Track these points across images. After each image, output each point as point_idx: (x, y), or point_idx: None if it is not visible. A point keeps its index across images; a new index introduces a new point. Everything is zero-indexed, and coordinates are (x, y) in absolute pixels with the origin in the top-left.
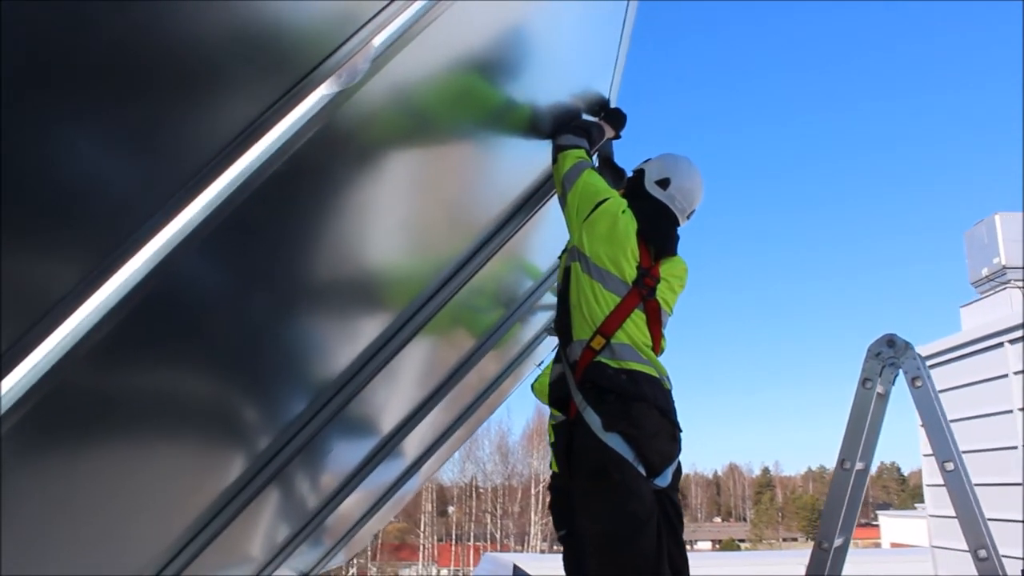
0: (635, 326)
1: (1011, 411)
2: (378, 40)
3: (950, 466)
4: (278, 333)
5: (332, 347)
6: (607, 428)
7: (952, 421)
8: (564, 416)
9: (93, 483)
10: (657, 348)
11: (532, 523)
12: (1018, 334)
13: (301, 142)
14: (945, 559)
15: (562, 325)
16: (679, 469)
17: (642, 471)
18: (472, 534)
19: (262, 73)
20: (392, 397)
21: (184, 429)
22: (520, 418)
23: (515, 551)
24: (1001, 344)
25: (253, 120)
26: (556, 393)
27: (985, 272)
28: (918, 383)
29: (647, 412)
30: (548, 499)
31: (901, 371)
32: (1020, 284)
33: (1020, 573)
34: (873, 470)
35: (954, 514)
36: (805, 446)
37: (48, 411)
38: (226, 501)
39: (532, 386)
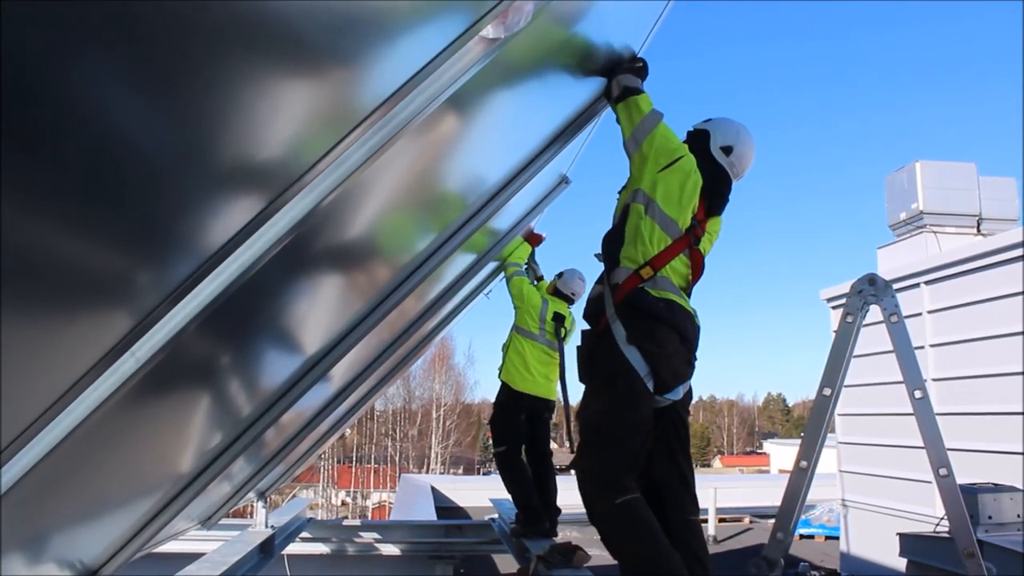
0: (678, 268)
1: (923, 347)
2: None
3: (919, 394)
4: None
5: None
6: (629, 341)
7: (868, 355)
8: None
9: (174, 418)
10: (688, 293)
11: (433, 447)
12: (933, 276)
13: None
14: (852, 482)
15: (610, 251)
16: (690, 389)
17: (650, 387)
18: (372, 457)
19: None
20: (363, 346)
21: (223, 383)
22: None
23: (414, 473)
24: (917, 285)
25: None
26: (591, 309)
27: (903, 216)
28: (895, 319)
29: (669, 334)
30: (490, 414)
31: (879, 307)
32: (936, 229)
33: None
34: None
35: (862, 442)
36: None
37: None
38: (232, 439)
39: None
